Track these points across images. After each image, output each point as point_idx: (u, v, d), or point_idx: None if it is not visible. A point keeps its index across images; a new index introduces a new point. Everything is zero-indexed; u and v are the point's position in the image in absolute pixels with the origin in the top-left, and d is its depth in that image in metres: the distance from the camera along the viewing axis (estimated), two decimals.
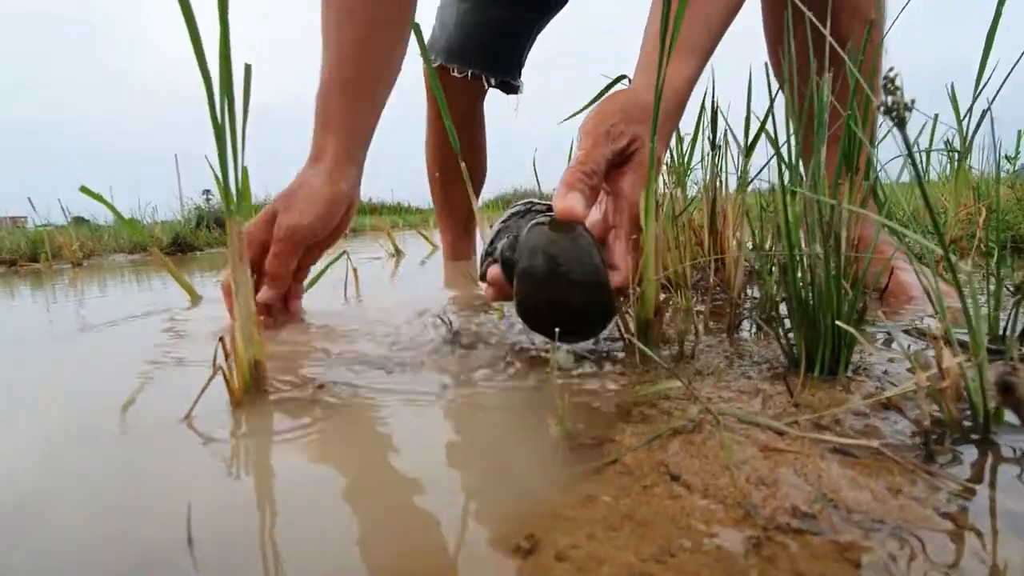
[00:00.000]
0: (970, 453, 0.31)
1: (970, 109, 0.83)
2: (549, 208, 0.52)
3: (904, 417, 0.36)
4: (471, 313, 0.78)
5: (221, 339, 0.45)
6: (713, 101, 0.79)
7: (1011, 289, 0.36)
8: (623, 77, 0.78)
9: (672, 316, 0.73)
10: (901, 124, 0.24)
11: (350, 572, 0.24)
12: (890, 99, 0.23)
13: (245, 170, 1.29)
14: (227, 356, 0.45)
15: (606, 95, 0.51)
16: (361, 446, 0.37)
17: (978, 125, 1.09)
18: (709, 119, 0.80)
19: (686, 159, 0.97)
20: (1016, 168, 1.53)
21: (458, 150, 0.76)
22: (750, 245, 0.84)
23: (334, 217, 0.73)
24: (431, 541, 0.26)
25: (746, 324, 0.64)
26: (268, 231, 0.71)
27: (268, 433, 0.40)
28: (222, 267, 1.83)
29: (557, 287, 0.43)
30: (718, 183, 0.85)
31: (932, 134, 1.34)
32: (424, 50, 0.71)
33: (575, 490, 0.29)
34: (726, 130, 0.86)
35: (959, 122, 1.59)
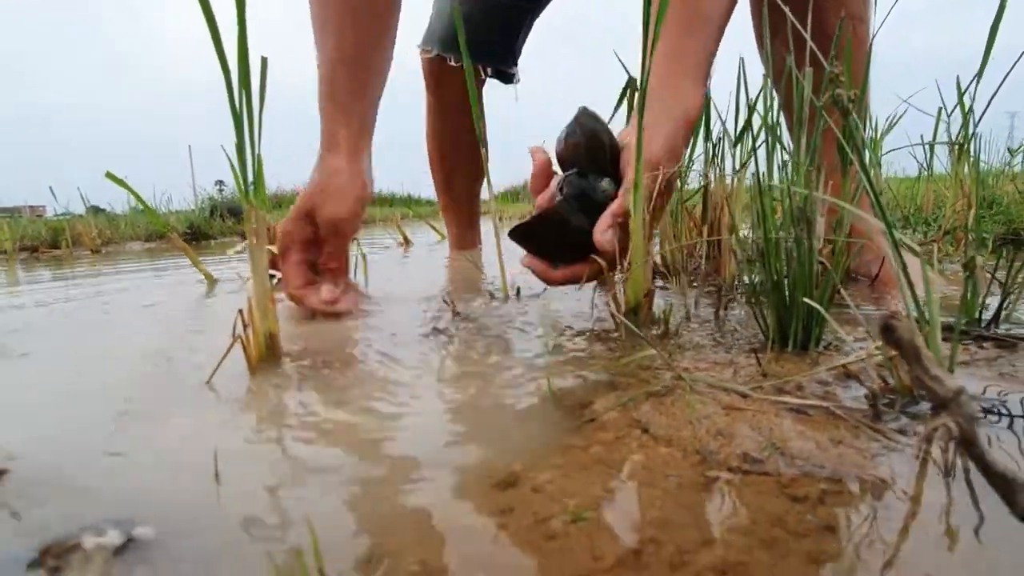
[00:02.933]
0: (916, 415, 0.34)
1: (958, 104, 0.85)
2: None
3: (863, 386, 0.39)
4: (473, 297, 0.82)
5: (240, 312, 0.49)
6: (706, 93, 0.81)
7: (961, 268, 0.39)
8: (633, 81, 0.80)
9: (662, 296, 0.76)
10: (845, 114, 0.27)
11: (350, 494, 0.28)
12: (837, 91, 0.26)
13: (259, 159, 1.34)
14: (245, 327, 0.49)
15: (645, 129, 0.53)
16: (358, 405, 0.41)
17: (980, 118, 1.11)
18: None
19: (686, 153, 0.99)
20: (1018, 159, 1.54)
21: (484, 143, 0.79)
22: (745, 233, 0.87)
23: (364, 204, 0.76)
24: (423, 480, 0.30)
25: (735, 308, 0.67)
26: (305, 227, 0.72)
27: (280, 392, 0.44)
28: (235, 253, 1.88)
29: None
30: (712, 174, 0.87)
31: (936, 125, 1.35)
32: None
33: (555, 440, 0.33)
34: (722, 124, 0.88)
35: (964, 114, 1.59)
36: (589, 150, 0.60)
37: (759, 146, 0.48)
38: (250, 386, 0.46)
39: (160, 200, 4.01)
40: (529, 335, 0.58)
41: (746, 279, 0.69)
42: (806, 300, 0.43)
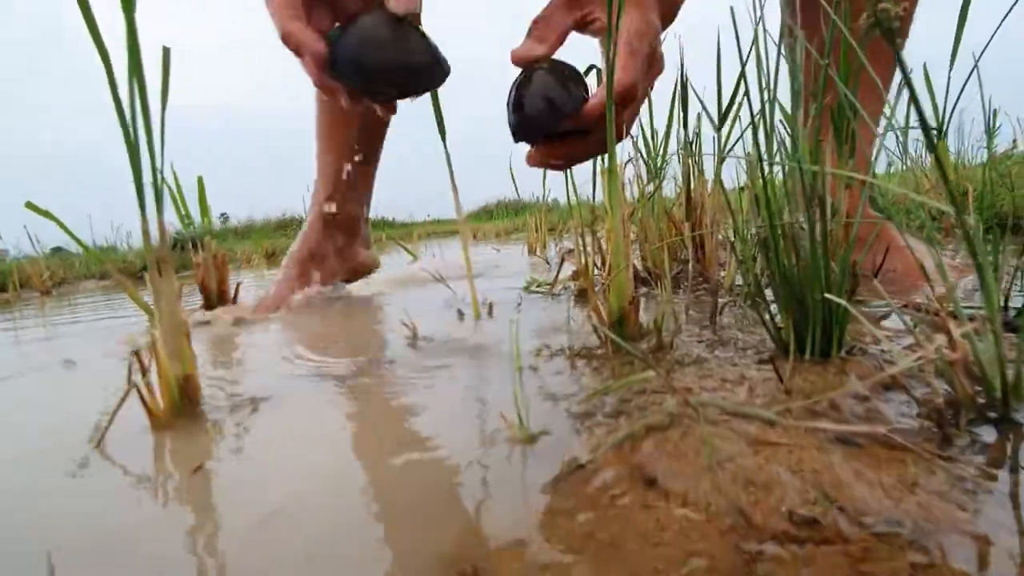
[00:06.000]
0: (990, 435, 0.26)
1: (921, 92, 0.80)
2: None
3: (910, 397, 0.31)
4: (439, 317, 0.73)
5: (136, 353, 0.39)
6: (682, 76, 0.75)
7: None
8: (593, 67, 0.74)
9: (648, 305, 0.68)
10: (890, 36, 0.19)
11: None
12: (878, 6, 0.19)
13: (201, 181, 1.24)
14: (144, 372, 0.39)
15: None
16: (276, 472, 0.32)
17: (954, 106, 1.07)
18: (680, 98, 0.77)
19: (660, 150, 0.93)
20: (994, 148, 1.52)
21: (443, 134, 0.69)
22: (730, 230, 0.80)
23: None
24: None
25: (729, 312, 0.60)
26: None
27: (180, 457, 0.34)
28: (189, 291, 1.76)
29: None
30: (692, 168, 0.81)
31: (907, 114, 1.32)
32: None
33: (533, 504, 0.24)
34: (699, 113, 0.82)
35: (933, 102, 1.58)
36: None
37: (756, 119, 0.40)
38: (150, 447, 0.36)
39: (119, 235, 3.85)
40: (500, 359, 0.50)
41: (745, 280, 0.62)
42: (828, 296, 0.36)
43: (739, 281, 0.77)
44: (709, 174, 0.86)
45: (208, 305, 0.99)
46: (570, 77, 0.50)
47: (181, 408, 0.43)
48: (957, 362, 0.27)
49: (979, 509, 0.21)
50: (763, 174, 0.39)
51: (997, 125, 1.35)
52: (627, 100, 0.48)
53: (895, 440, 0.25)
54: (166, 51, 0.46)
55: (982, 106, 1.33)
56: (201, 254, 0.99)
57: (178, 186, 1.16)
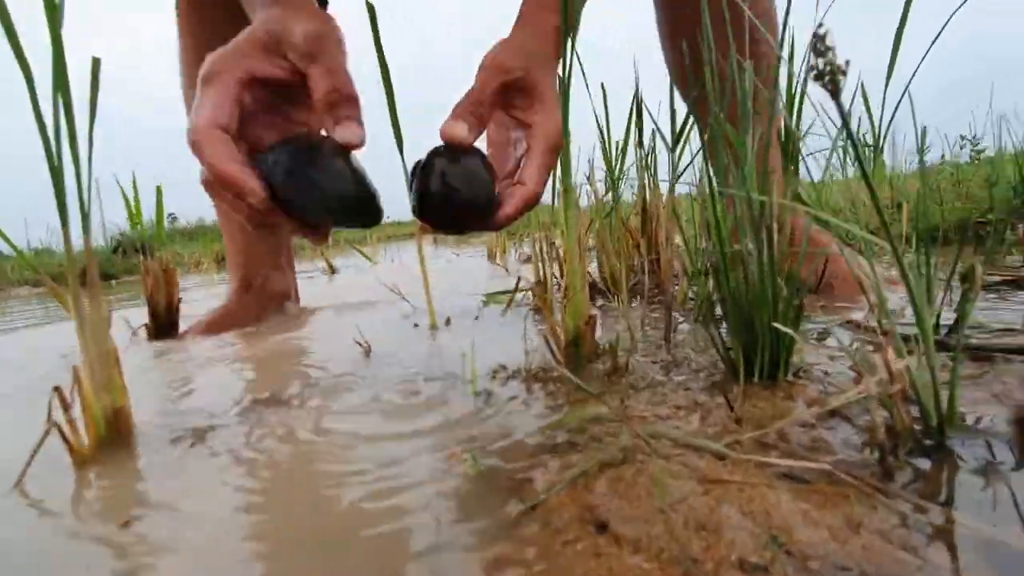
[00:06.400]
0: (927, 466, 0.27)
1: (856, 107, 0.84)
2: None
3: (851, 424, 0.32)
4: (393, 330, 0.72)
5: (57, 388, 0.36)
6: (637, 97, 0.76)
7: (959, 279, 0.34)
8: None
9: (604, 320, 0.69)
10: (835, 92, 0.20)
11: None
12: (821, 61, 0.19)
13: (159, 191, 1.17)
14: (66, 408, 0.36)
15: (500, 41, 0.49)
16: (230, 513, 0.30)
17: (890, 121, 1.12)
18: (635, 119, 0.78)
19: (617, 164, 0.94)
20: (925, 160, 1.61)
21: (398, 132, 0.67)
22: (681, 245, 0.82)
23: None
24: None
25: (683, 328, 0.61)
26: (263, 61, 0.43)
27: (112, 508, 0.32)
28: (138, 293, 1.67)
29: (450, 197, 0.44)
30: (648, 183, 0.82)
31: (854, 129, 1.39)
32: None
33: (482, 552, 0.24)
34: (653, 130, 0.84)
35: (871, 118, 1.66)
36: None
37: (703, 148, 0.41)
38: (68, 492, 0.34)
39: (56, 237, 3.62)
40: (454, 380, 0.49)
41: (696, 295, 0.63)
42: (776, 325, 0.36)
43: (692, 295, 0.78)
44: (665, 187, 0.87)
45: (155, 322, 0.93)
46: (488, 168, 0.46)
47: (111, 443, 0.40)
48: (895, 395, 0.28)
49: (918, 548, 0.21)
50: (713, 199, 0.39)
51: (927, 143, 1.43)
52: (531, 208, 0.48)
53: (839, 475, 0.26)
54: (95, 62, 0.43)
55: (914, 124, 1.41)
56: (150, 264, 0.94)
57: (135, 188, 1.09)
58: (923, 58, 0.74)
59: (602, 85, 0.85)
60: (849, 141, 0.22)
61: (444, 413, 0.41)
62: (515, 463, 0.32)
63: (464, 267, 1.71)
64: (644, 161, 0.79)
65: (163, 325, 0.92)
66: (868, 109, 1.58)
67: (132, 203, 1.21)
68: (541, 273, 0.79)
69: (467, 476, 0.30)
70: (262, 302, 0.95)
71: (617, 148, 0.92)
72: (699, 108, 0.69)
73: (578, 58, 0.55)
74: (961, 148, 1.84)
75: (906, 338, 0.38)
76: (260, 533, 0.28)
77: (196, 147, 0.39)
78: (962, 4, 0.54)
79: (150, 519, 0.29)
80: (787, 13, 0.53)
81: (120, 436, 0.41)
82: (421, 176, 0.45)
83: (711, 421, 0.34)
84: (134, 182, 1.18)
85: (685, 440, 0.30)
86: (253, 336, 0.81)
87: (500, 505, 0.27)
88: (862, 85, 1.49)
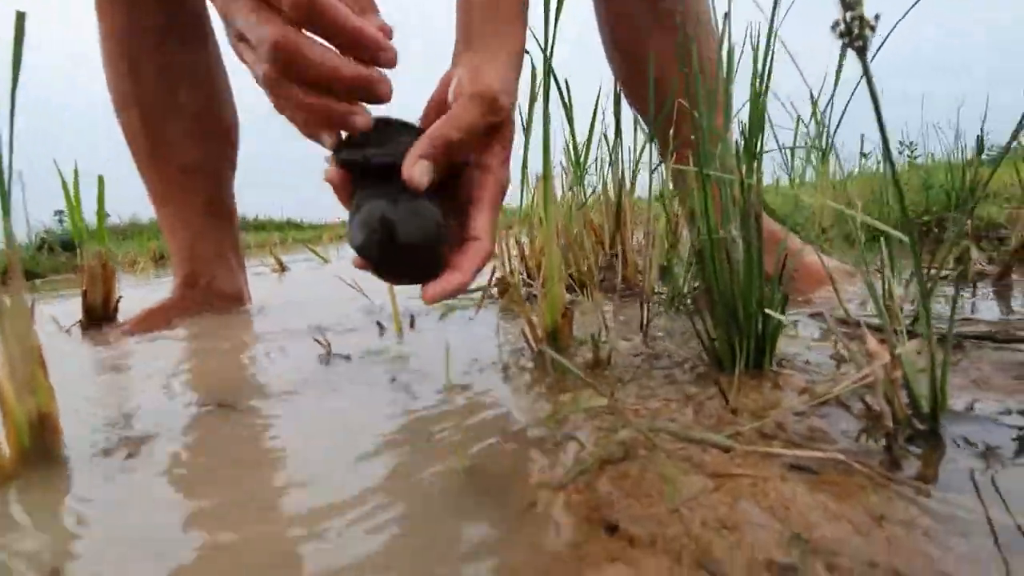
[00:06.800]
0: (928, 453, 0.27)
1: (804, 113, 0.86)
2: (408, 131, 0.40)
3: (847, 412, 0.32)
4: (356, 330, 0.68)
5: None
6: (616, 86, 0.75)
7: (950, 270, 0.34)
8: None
9: (576, 317, 0.67)
10: (862, 49, 0.19)
11: None
12: (848, 15, 0.18)
13: (101, 181, 1.07)
14: None
15: (476, 61, 0.41)
16: (171, 531, 0.26)
17: (838, 125, 1.16)
18: (612, 106, 0.77)
19: (583, 157, 0.93)
20: (866, 163, 1.70)
21: None
22: (653, 237, 0.82)
23: None
24: None
25: (656, 321, 0.60)
26: None
27: (35, 531, 0.27)
28: (68, 292, 1.54)
29: (396, 255, 0.37)
30: (619, 176, 0.81)
31: (795, 134, 1.44)
32: None
33: (476, 562, 0.21)
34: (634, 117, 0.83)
35: (817, 123, 1.73)
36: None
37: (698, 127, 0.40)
38: None
39: None
40: (425, 379, 0.46)
41: (670, 287, 0.63)
42: (768, 312, 0.35)
43: (659, 289, 0.78)
44: (633, 183, 0.87)
45: (90, 318, 0.85)
46: (445, 217, 0.40)
47: (36, 456, 0.35)
48: (896, 381, 0.28)
49: (941, 539, 0.20)
50: (704, 187, 0.38)
51: (869, 149, 1.50)
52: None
53: (849, 464, 0.25)
54: (20, 16, 0.38)
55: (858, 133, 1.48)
56: (88, 259, 0.86)
57: (76, 180, 1.00)
58: (866, 70, 0.77)
59: (566, 81, 0.83)
60: (878, 121, 0.21)
61: (415, 414, 0.38)
62: (503, 461, 0.29)
63: None
64: (616, 153, 0.79)
65: (98, 321, 0.85)
66: (815, 114, 1.64)
67: (75, 200, 1.11)
68: (509, 269, 0.77)
69: (451, 478, 0.28)
70: (209, 300, 0.89)
71: (584, 142, 0.91)
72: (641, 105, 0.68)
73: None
74: (900, 153, 1.95)
75: (879, 328, 0.38)
76: (212, 567, 0.24)
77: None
78: (901, 19, 0.56)
79: (82, 564, 0.25)
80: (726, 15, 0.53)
81: (47, 446, 0.36)
82: (364, 213, 0.37)
83: (706, 413, 0.32)
84: (75, 173, 1.08)
85: (687, 433, 0.28)
86: (200, 335, 0.75)
87: (493, 505, 0.25)
88: (811, 96, 1.56)
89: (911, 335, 0.45)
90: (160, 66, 0.81)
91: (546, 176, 0.47)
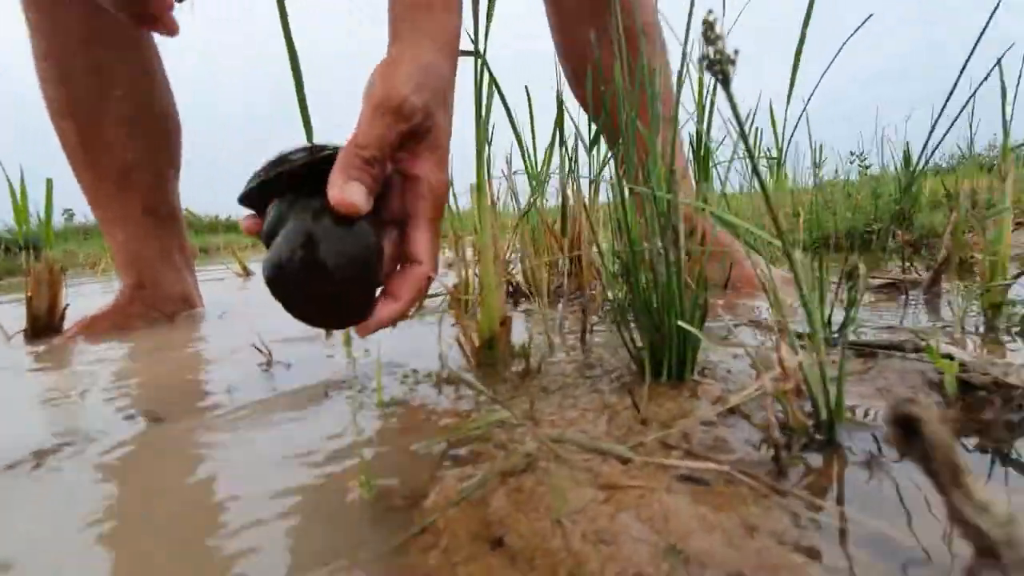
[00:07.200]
0: (819, 462, 0.28)
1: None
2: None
3: (749, 422, 0.32)
4: (299, 337, 0.67)
5: None
6: (559, 96, 0.76)
7: (842, 277, 0.35)
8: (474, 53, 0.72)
9: (525, 323, 0.68)
10: (725, 81, 0.19)
11: None
12: (711, 49, 0.19)
13: (50, 183, 1.04)
14: None
15: (388, 58, 0.38)
16: (79, 554, 0.26)
17: (791, 137, 1.20)
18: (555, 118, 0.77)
19: (543, 165, 0.94)
20: (820, 176, 1.74)
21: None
22: (604, 246, 0.83)
23: None
24: None
25: (599, 328, 0.61)
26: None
27: None
28: (21, 296, 1.48)
29: (320, 286, 0.34)
30: (570, 183, 0.82)
31: (757, 143, 1.47)
32: None
33: None
34: (575, 131, 0.84)
35: (775, 133, 1.78)
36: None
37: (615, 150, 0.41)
38: None
39: None
40: (359, 389, 0.46)
41: (611, 297, 0.63)
42: (681, 324, 0.36)
43: (608, 295, 0.79)
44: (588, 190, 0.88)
45: (35, 325, 0.82)
46: (378, 244, 0.37)
47: None
48: (790, 392, 0.29)
49: (813, 547, 0.21)
50: (623, 201, 0.39)
51: (823, 158, 1.55)
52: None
53: (736, 476, 0.25)
54: None
55: (809, 142, 1.52)
56: (34, 264, 0.83)
57: (23, 180, 0.96)
58: (817, 83, 0.79)
59: (526, 88, 0.84)
60: (741, 137, 0.22)
61: (345, 427, 0.38)
62: (415, 479, 0.29)
63: None
64: (566, 162, 0.80)
65: (43, 329, 0.83)
66: (773, 124, 1.69)
67: (18, 196, 1.07)
68: (462, 276, 0.77)
69: (360, 500, 0.28)
70: (155, 304, 0.87)
71: (533, 148, 0.91)
72: (596, 109, 0.69)
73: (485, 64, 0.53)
74: (851, 163, 2.02)
75: (801, 336, 0.40)
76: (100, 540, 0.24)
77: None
78: (847, 40, 0.58)
79: None
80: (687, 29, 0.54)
81: None
82: (284, 240, 0.33)
83: (618, 423, 0.33)
84: (21, 175, 1.05)
85: (590, 444, 0.29)
86: (141, 341, 0.73)
87: (394, 527, 0.25)
88: (770, 102, 1.60)
89: (831, 343, 0.47)
90: (89, 68, 0.79)
91: (480, 186, 0.48)
